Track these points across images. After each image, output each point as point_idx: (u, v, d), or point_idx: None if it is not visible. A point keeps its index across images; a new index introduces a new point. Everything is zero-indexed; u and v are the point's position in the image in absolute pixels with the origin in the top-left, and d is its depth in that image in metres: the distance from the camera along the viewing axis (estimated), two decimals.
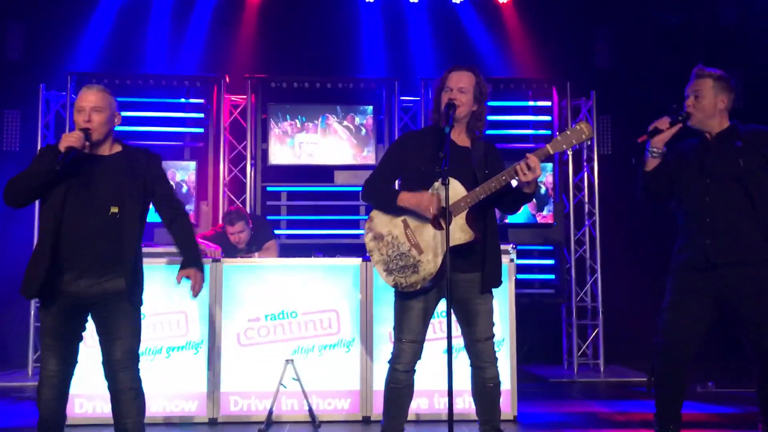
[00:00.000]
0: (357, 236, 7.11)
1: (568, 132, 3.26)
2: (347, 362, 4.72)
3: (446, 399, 3.21)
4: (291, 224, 7.37)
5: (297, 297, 4.74)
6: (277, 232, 6.82)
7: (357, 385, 4.70)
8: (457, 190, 3.28)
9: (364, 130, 7.32)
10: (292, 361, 4.60)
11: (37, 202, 3.31)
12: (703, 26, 7.85)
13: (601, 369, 7.04)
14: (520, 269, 6.91)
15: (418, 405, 4.62)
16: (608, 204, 7.35)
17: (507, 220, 7.00)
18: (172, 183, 3.60)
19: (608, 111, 7.68)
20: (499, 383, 3.44)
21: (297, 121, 7.29)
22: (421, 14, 8.02)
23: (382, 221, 3.44)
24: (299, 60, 7.76)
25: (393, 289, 3.42)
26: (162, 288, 4.56)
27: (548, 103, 7.47)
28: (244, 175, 7.30)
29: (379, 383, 4.54)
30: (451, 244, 3.17)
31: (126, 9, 7.74)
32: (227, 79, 7.29)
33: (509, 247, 4.74)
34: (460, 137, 3.47)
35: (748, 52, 7.63)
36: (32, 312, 6.60)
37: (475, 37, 8.00)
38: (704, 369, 5.60)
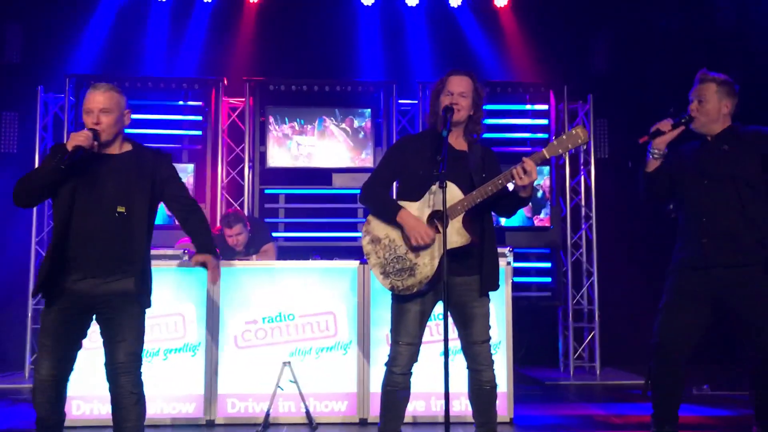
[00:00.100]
0: (355, 239, 7.12)
1: (564, 136, 3.27)
2: (344, 364, 4.73)
3: (443, 401, 3.22)
4: (289, 227, 7.38)
5: (294, 299, 4.75)
6: (274, 234, 6.83)
7: (354, 387, 4.71)
8: (454, 193, 3.29)
9: (362, 133, 7.34)
10: (289, 363, 4.61)
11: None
12: (701, 30, 7.87)
13: (597, 372, 7.06)
14: (517, 272, 6.92)
15: (414, 407, 4.63)
16: (605, 207, 7.38)
17: (503, 223, 7.00)
18: (184, 182, 3.56)
19: (605, 115, 7.70)
20: (495, 386, 3.44)
21: (295, 123, 7.31)
22: (419, 18, 8.03)
23: (379, 224, 3.45)
24: (298, 63, 7.78)
25: (390, 292, 3.43)
26: (159, 290, 4.54)
27: (545, 107, 7.49)
28: (242, 178, 7.30)
29: (376, 386, 4.54)
30: (448, 247, 3.18)
31: (124, 11, 7.75)
32: (225, 82, 7.29)
33: (506, 250, 4.75)
34: (457, 141, 3.48)
35: (745, 56, 7.65)
36: (29, 314, 6.59)
37: (473, 41, 8.02)
38: (700, 372, 5.61)
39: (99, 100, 3.26)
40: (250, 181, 7.29)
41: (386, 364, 3.46)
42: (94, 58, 7.64)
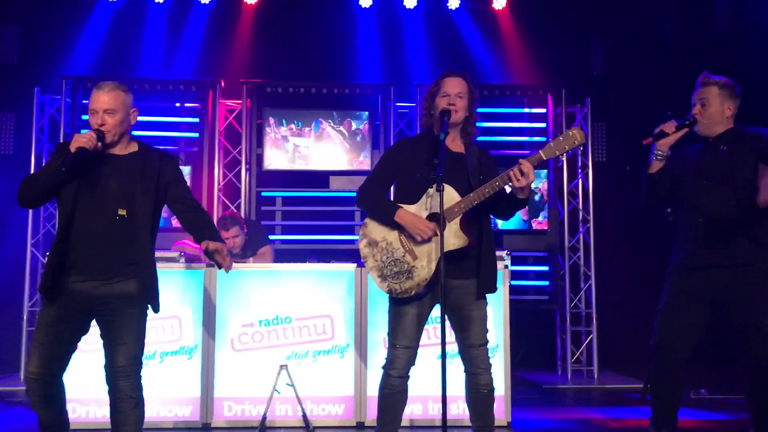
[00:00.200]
0: (352, 242, 7.10)
1: (560, 138, 3.26)
2: (341, 368, 4.71)
3: (440, 405, 3.20)
4: (286, 229, 7.36)
5: (291, 302, 4.73)
6: (271, 237, 6.81)
7: (351, 390, 4.70)
8: (451, 195, 3.29)
9: (359, 136, 7.33)
10: (286, 366, 4.60)
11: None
12: (698, 33, 7.88)
13: (595, 375, 7.04)
14: (515, 275, 6.92)
15: (412, 411, 4.62)
16: (603, 211, 7.37)
17: (500, 226, 6.99)
18: (188, 186, 3.51)
19: (603, 118, 7.71)
20: (493, 389, 3.43)
21: (293, 126, 7.30)
22: (417, 20, 8.03)
23: (376, 227, 3.44)
24: (295, 65, 7.77)
25: (387, 295, 3.42)
26: None
27: (543, 110, 7.49)
28: (239, 180, 7.29)
29: (373, 389, 4.51)
30: (445, 249, 3.17)
31: (121, 13, 7.74)
32: (222, 84, 7.28)
33: (504, 253, 4.74)
34: (454, 143, 3.47)
35: (743, 59, 7.66)
36: (25, 316, 6.56)
37: (471, 44, 8.02)
38: (697, 376, 5.60)
39: (104, 100, 3.20)
40: (247, 183, 7.27)
41: (383, 368, 3.45)
42: (91, 60, 7.63)
